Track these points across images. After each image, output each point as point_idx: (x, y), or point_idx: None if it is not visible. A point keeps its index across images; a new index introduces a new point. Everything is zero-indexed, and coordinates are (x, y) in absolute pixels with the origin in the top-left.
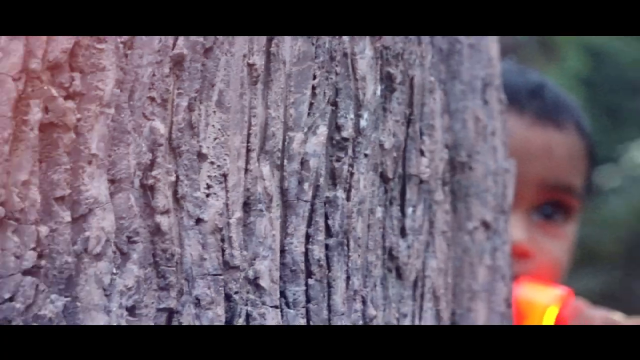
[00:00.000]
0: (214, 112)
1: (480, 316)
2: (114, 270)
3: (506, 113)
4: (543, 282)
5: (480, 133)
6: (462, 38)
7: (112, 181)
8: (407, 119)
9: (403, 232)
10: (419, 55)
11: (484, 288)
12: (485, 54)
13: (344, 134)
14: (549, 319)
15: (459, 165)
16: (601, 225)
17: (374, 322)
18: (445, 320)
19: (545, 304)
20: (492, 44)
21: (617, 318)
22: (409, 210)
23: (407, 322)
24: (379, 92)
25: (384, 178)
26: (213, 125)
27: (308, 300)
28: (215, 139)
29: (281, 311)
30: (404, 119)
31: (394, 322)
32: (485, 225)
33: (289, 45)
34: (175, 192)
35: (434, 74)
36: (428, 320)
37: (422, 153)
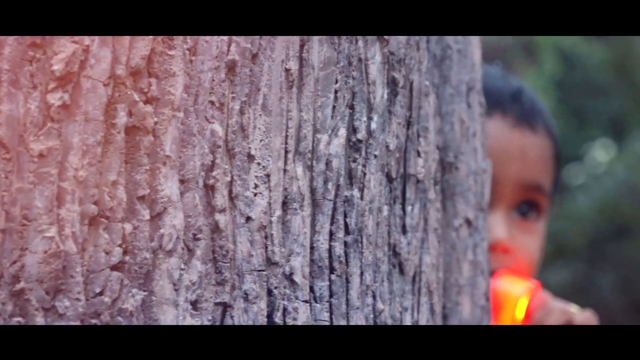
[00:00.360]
0: (260, 115)
1: (465, 309)
2: (182, 266)
3: (491, 115)
4: (519, 276)
5: (464, 135)
6: (452, 44)
7: (181, 181)
8: (407, 122)
9: (404, 230)
10: (417, 61)
11: (468, 282)
12: (470, 60)
13: (359, 135)
14: (520, 309)
15: (448, 165)
16: (569, 220)
17: (382, 316)
18: (438, 314)
19: (517, 295)
20: (475, 49)
21: (573, 310)
22: (409, 208)
23: (408, 315)
24: (385, 96)
25: (389, 178)
26: (259, 128)
27: (331, 295)
28: (260, 140)
29: (310, 305)
30: (404, 121)
31: (398, 316)
32: (468, 222)
33: (317, 51)
34: (230, 192)
35: (429, 78)
36: (424, 314)
37: (418, 154)
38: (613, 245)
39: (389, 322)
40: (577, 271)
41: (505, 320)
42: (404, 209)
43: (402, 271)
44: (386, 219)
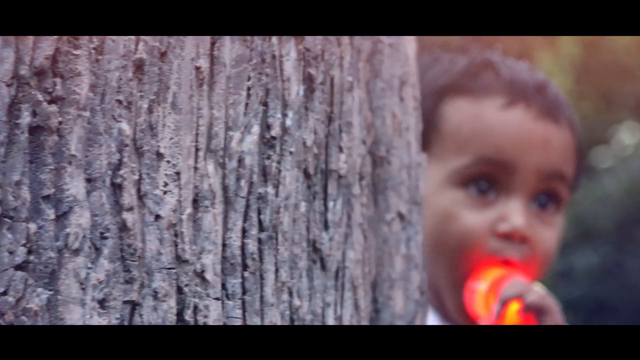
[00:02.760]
0: (169, 113)
1: (398, 304)
2: (89, 265)
3: (514, 106)
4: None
5: (396, 129)
6: (383, 38)
7: (87, 180)
8: (328, 117)
9: (326, 225)
10: (338, 56)
11: (400, 277)
12: (403, 53)
13: (273, 132)
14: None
15: (379, 159)
16: (596, 203)
17: (299, 312)
18: (363, 309)
19: (483, 291)
20: (409, 43)
21: (537, 288)
22: (331, 204)
23: (330, 311)
24: (301, 92)
25: (306, 174)
26: (169, 126)
27: (244, 292)
28: (170, 139)
29: (222, 303)
30: (325, 117)
31: (319, 312)
32: (401, 216)
33: (228, 49)
34: (138, 190)
35: (353, 74)
36: (348, 309)
37: (340, 149)
38: None
39: (309, 318)
40: (605, 254)
41: (480, 311)
42: (325, 205)
43: (323, 267)
44: (304, 216)
